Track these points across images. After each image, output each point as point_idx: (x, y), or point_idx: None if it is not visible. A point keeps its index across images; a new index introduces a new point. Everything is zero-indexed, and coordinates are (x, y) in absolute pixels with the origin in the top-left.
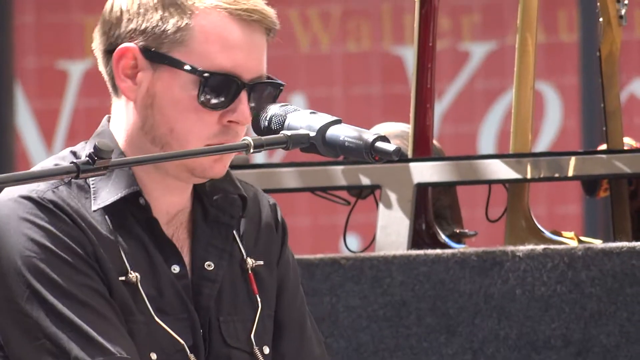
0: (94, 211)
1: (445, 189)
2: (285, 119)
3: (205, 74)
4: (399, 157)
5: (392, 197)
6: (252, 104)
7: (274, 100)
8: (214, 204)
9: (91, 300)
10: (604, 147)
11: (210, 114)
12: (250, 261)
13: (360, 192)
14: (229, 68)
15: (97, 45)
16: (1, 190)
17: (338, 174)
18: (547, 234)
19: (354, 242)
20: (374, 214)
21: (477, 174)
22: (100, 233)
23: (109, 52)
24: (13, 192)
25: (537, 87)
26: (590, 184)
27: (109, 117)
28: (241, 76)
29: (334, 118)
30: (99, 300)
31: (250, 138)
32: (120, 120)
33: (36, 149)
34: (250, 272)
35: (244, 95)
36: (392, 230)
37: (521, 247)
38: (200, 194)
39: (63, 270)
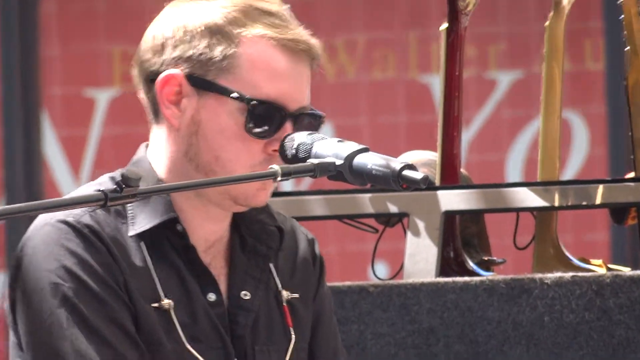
0: (130, 237)
1: (473, 217)
2: (312, 147)
3: (253, 102)
4: (427, 185)
5: (420, 224)
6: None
7: (317, 128)
8: (252, 234)
9: (113, 338)
10: (631, 175)
11: (255, 143)
12: (285, 293)
13: (388, 220)
14: (275, 97)
15: (137, 72)
16: (31, 219)
17: (366, 201)
18: (575, 261)
19: (382, 270)
20: (401, 242)
21: (505, 202)
22: (134, 260)
23: (151, 79)
24: (48, 216)
25: (563, 116)
26: (618, 211)
27: (147, 145)
28: (286, 106)
29: (361, 146)
30: (121, 338)
31: (277, 166)
32: (161, 148)
33: (63, 177)
34: (285, 304)
35: (288, 124)
36: (420, 257)
37: (549, 275)
38: (238, 223)
39: (90, 303)
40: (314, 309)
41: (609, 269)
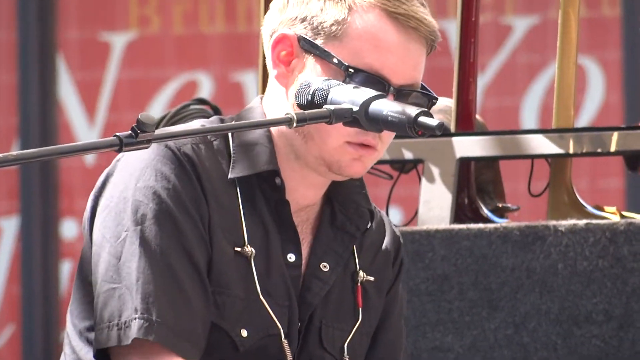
0: (228, 178)
1: (488, 164)
2: (328, 94)
3: (351, 69)
4: (442, 131)
5: (435, 171)
6: None
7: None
8: (344, 211)
9: (180, 269)
10: None
11: None
12: (362, 274)
13: (403, 166)
14: (377, 68)
15: (264, 28)
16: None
17: None
18: (590, 208)
19: (396, 216)
20: (416, 188)
21: (519, 149)
22: (225, 201)
23: (270, 35)
24: None
25: (579, 62)
26: (632, 159)
27: (262, 97)
28: (390, 79)
29: (377, 92)
30: (189, 271)
31: (293, 112)
32: (273, 101)
33: (78, 121)
34: (359, 284)
35: (390, 99)
36: (434, 204)
37: (563, 222)
38: (332, 198)
39: (168, 229)
40: (386, 303)
41: (622, 217)
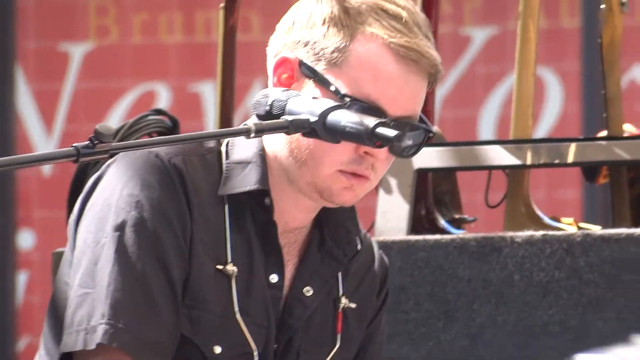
0: (218, 194)
1: (445, 175)
2: (286, 104)
3: (347, 98)
4: (400, 142)
5: (393, 182)
6: (394, 142)
7: (419, 145)
8: (333, 237)
9: (152, 279)
10: (604, 133)
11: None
12: (344, 300)
13: None
14: (375, 99)
15: (269, 49)
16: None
17: None
18: (547, 220)
19: None
20: (373, 199)
21: (477, 160)
22: (211, 216)
23: (275, 57)
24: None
25: (538, 73)
26: (590, 170)
27: None
28: (387, 110)
29: (335, 103)
30: (160, 282)
31: (250, 123)
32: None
33: (36, 132)
34: (340, 310)
35: None
36: (392, 215)
37: (520, 233)
38: (322, 222)
39: (145, 237)
40: (367, 333)
41: (579, 228)
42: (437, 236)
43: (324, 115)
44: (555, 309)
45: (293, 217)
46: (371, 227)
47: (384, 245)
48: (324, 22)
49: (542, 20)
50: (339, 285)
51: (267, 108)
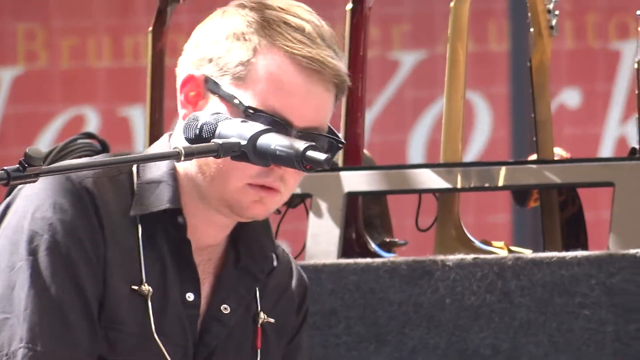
0: (130, 215)
1: (375, 198)
2: (216, 127)
3: (250, 110)
4: (330, 166)
5: (323, 205)
6: None
7: (331, 155)
8: (249, 253)
9: (67, 303)
10: (534, 157)
11: None
12: (262, 315)
13: (290, 200)
14: (279, 110)
15: (178, 69)
16: None
17: None
18: (477, 243)
19: None
20: (303, 223)
21: (407, 184)
22: (124, 238)
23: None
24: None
25: (466, 97)
26: (520, 193)
27: (170, 134)
28: (292, 121)
29: (265, 127)
30: (76, 305)
31: (181, 146)
32: (180, 140)
33: None
34: (259, 325)
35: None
36: (322, 238)
37: (451, 257)
38: (237, 239)
39: (59, 260)
40: (288, 349)
41: (510, 251)
42: (368, 260)
43: (254, 138)
44: (487, 333)
45: (206, 234)
46: (302, 251)
47: (314, 269)
48: (227, 37)
49: (470, 44)
50: (257, 301)
51: (197, 131)
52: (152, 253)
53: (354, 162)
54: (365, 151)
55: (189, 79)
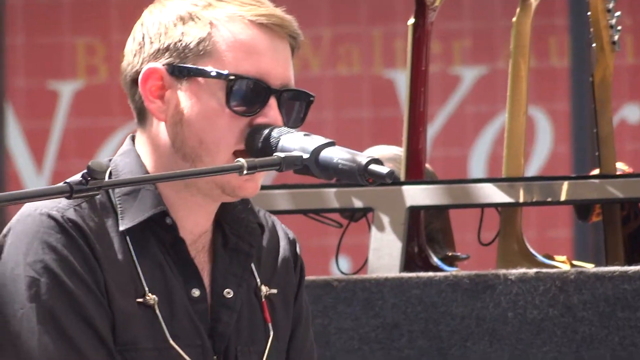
0: (118, 231)
1: (437, 212)
2: (278, 141)
3: (231, 77)
4: (392, 180)
5: (385, 220)
6: (283, 112)
7: (304, 111)
8: (235, 232)
9: (82, 340)
10: (596, 172)
11: (239, 120)
12: (264, 289)
13: (352, 214)
14: (255, 73)
15: (123, 80)
16: None
17: (331, 196)
18: (540, 257)
19: (344, 265)
20: (365, 237)
21: (470, 198)
22: (118, 255)
23: (135, 81)
24: (33, 207)
25: (527, 112)
26: (583, 208)
27: (133, 137)
28: (268, 82)
29: (328, 140)
30: (91, 340)
31: (243, 160)
32: (148, 142)
33: (27, 169)
34: (263, 299)
35: (273, 101)
36: (384, 252)
37: (513, 271)
38: (220, 221)
39: (64, 301)
40: (293, 311)
41: (572, 266)
42: (430, 274)
43: (316, 152)
44: (549, 347)
45: (196, 223)
46: (364, 265)
47: (377, 283)
48: (176, 24)
49: (531, 60)
50: (255, 275)
51: (259, 145)
52: (148, 261)
53: (416, 176)
54: (427, 165)
55: (150, 73)
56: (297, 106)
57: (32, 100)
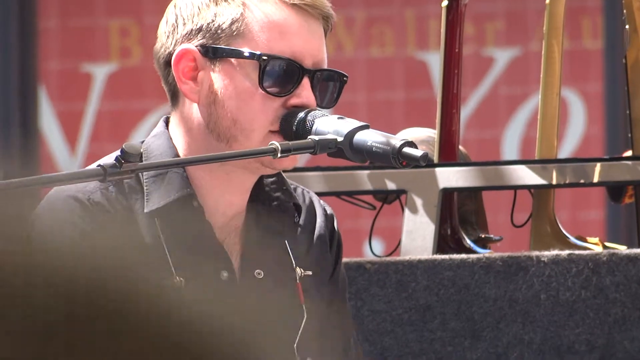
0: (145, 213)
1: (470, 194)
2: (313, 124)
3: (264, 58)
4: (426, 162)
5: (418, 202)
6: (316, 92)
7: (338, 91)
8: (269, 211)
9: None
10: (629, 153)
11: (273, 100)
12: (299, 270)
13: (385, 197)
14: (288, 54)
15: (156, 62)
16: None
17: (364, 178)
18: (572, 239)
19: (377, 247)
20: (398, 219)
21: (503, 180)
22: (145, 238)
23: (168, 62)
24: (61, 191)
25: (561, 94)
26: (615, 190)
27: (167, 119)
28: (302, 62)
29: (362, 123)
30: None
31: (277, 142)
32: (181, 124)
33: (60, 152)
34: (298, 281)
35: (306, 81)
36: (417, 235)
37: (546, 253)
38: (255, 200)
39: None
40: (329, 289)
41: (605, 247)
42: (463, 255)
43: (350, 135)
44: (582, 328)
45: (230, 203)
46: (397, 247)
47: (409, 265)
48: (209, 5)
49: (564, 42)
50: (290, 256)
51: (293, 128)
52: (176, 243)
53: (450, 158)
54: (460, 147)
55: (183, 54)
56: (331, 86)
57: (65, 82)
